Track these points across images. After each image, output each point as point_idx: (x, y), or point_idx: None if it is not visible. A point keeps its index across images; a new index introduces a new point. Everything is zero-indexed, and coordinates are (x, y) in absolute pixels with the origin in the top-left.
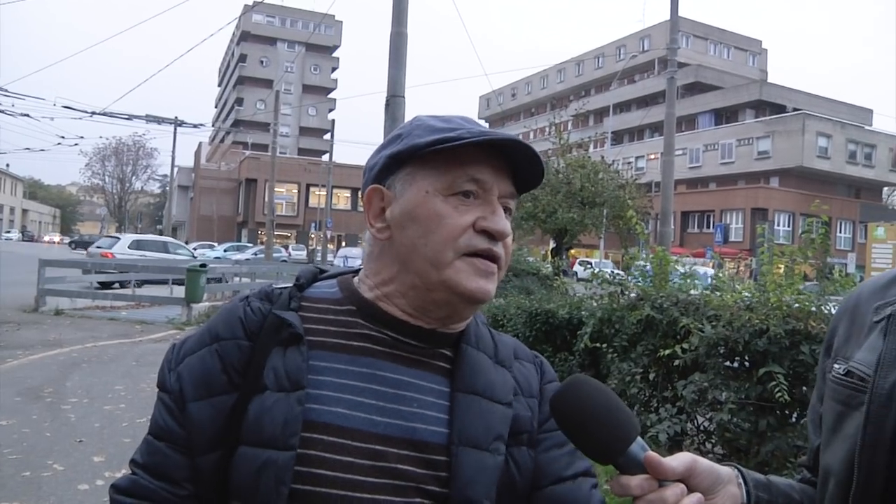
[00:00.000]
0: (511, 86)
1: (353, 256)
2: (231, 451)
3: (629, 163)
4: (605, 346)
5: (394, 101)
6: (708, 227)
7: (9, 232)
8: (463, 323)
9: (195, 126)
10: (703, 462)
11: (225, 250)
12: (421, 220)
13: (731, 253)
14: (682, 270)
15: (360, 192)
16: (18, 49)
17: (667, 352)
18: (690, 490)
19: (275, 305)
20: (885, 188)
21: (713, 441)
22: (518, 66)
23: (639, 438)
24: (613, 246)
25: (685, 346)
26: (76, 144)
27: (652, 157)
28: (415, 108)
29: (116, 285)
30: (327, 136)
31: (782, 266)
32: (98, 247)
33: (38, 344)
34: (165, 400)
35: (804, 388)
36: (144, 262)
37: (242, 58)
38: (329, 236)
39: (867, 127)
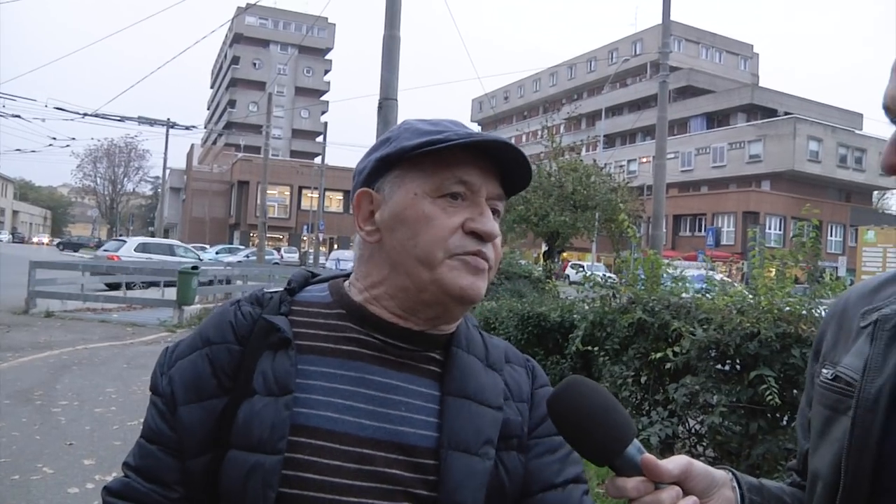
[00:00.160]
0: (503, 89)
1: (345, 259)
2: (221, 455)
3: (621, 166)
4: (596, 349)
5: (386, 103)
6: (699, 230)
7: None
8: (453, 324)
9: (187, 128)
10: (699, 465)
11: (217, 252)
12: (410, 222)
13: (723, 256)
14: (674, 273)
15: (350, 195)
16: (10, 49)
17: (658, 355)
18: (686, 493)
19: (265, 310)
20: (876, 192)
21: (704, 444)
22: (511, 69)
23: (635, 440)
24: (605, 249)
25: (677, 349)
26: (68, 146)
27: (644, 160)
28: (407, 110)
29: (123, 287)
30: (320, 139)
31: (773, 269)
32: (105, 250)
33: (29, 346)
34: (157, 403)
35: (795, 391)
36: (136, 264)
37: (235, 60)
38: (321, 239)
39: (858, 131)
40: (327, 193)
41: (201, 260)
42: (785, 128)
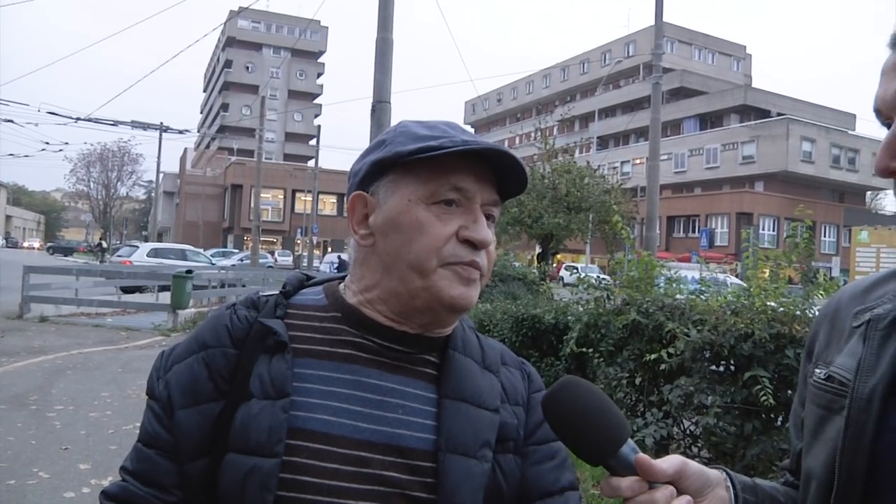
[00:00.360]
0: (496, 91)
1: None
2: (219, 459)
3: (615, 168)
4: (591, 350)
5: (380, 106)
6: (693, 231)
7: None
8: (448, 328)
9: (180, 132)
10: (693, 465)
11: (211, 256)
12: (403, 228)
13: (717, 257)
14: (668, 275)
15: (345, 198)
16: (2, 53)
17: (653, 356)
18: (680, 492)
19: (261, 313)
20: (869, 192)
21: (699, 445)
22: (504, 71)
23: (630, 440)
24: (599, 251)
25: (671, 350)
26: (61, 150)
27: (637, 161)
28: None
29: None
30: (313, 142)
31: (767, 270)
32: (119, 255)
33: (23, 351)
34: (154, 407)
35: (789, 391)
36: (130, 269)
37: (228, 63)
38: (315, 242)
39: (851, 131)
40: (321, 196)
41: (213, 264)
42: (778, 129)
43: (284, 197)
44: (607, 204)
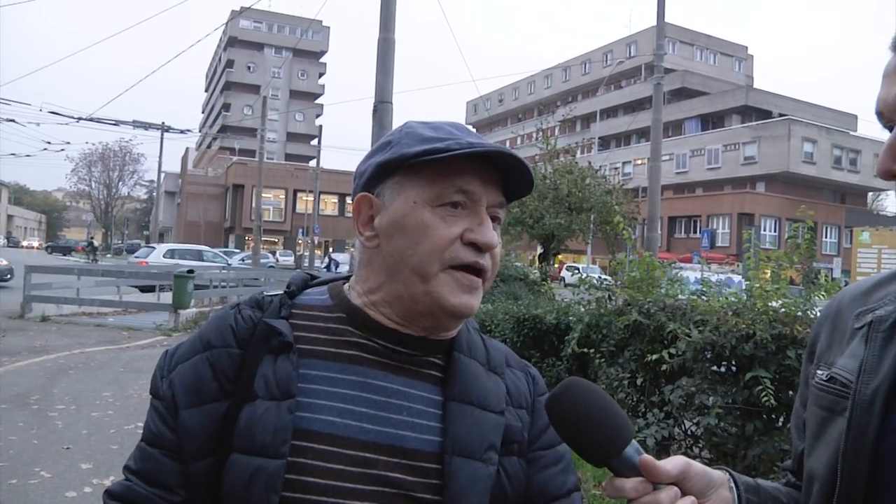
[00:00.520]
0: (498, 91)
1: (341, 262)
2: (223, 458)
3: (616, 168)
4: (592, 351)
5: (381, 106)
6: (695, 232)
7: None
8: (452, 331)
9: (182, 132)
10: (697, 465)
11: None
12: (409, 230)
13: (718, 258)
14: (669, 276)
15: (347, 198)
16: (4, 53)
17: (654, 357)
18: (684, 493)
19: (265, 313)
20: (871, 193)
21: (700, 445)
22: (506, 71)
23: (633, 441)
24: (601, 251)
25: (672, 350)
26: (62, 150)
27: (639, 162)
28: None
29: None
30: (314, 142)
31: (769, 271)
32: (136, 256)
33: (25, 350)
34: (158, 407)
35: (790, 392)
36: (130, 268)
37: (229, 63)
38: (316, 242)
39: (852, 132)
40: (322, 196)
41: (229, 264)
42: (779, 129)
43: (286, 197)
44: (609, 204)
